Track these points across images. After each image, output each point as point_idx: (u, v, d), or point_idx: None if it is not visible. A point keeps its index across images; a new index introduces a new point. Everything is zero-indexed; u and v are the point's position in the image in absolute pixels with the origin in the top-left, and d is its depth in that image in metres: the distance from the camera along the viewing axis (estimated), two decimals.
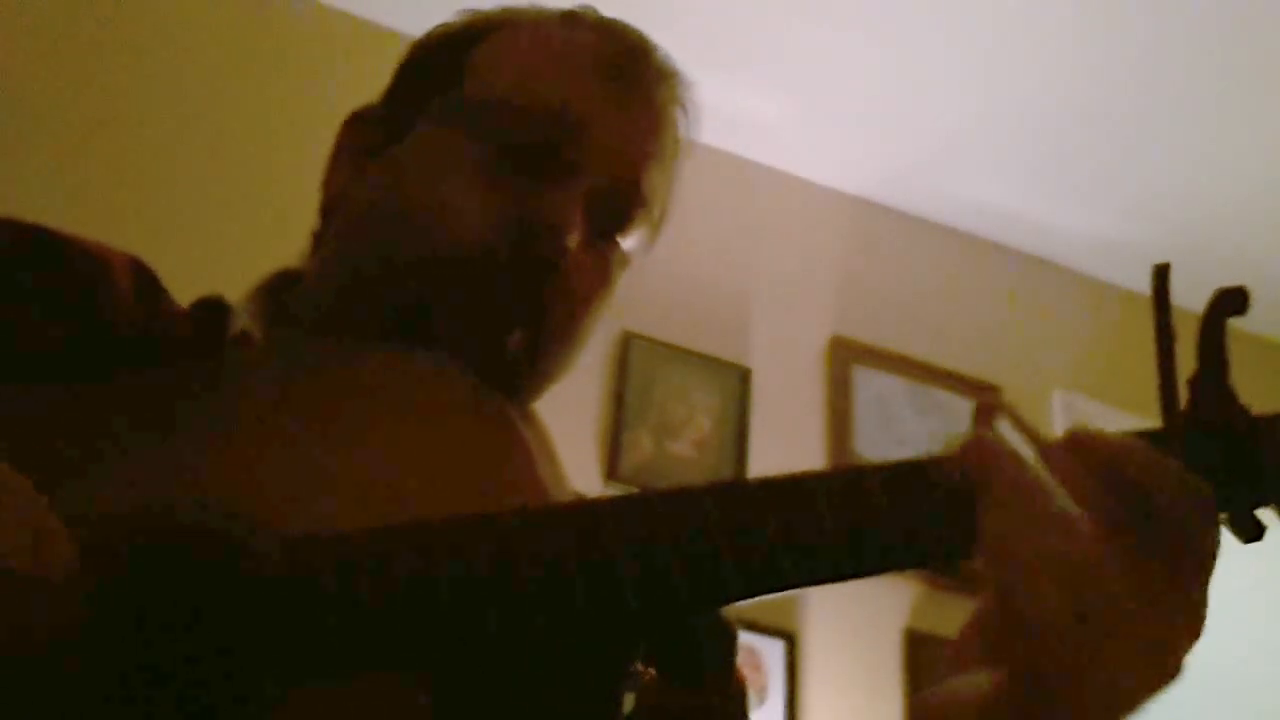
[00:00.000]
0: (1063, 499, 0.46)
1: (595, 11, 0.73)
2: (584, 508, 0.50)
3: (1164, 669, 0.46)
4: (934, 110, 2.51)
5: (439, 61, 0.71)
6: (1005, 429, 0.48)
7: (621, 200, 0.67)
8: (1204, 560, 0.47)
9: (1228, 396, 0.49)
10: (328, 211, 0.72)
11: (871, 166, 2.66)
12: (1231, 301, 0.48)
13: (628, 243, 0.69)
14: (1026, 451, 0.47)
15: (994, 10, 2.29)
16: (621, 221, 0.68)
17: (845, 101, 2.51)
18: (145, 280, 0.64)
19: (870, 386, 2.47)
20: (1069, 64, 2.39)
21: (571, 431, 2.14)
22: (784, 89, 2.50)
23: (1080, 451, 0.47)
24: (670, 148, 0.71)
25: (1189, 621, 0.47)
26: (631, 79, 0.69)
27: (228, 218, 2.04)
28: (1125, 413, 2.49)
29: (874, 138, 2.60)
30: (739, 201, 2.57)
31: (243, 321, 0.65)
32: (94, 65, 2.13)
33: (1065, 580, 0.44)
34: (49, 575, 0.41)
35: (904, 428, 2.44)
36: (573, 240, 0.63)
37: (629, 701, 0.56)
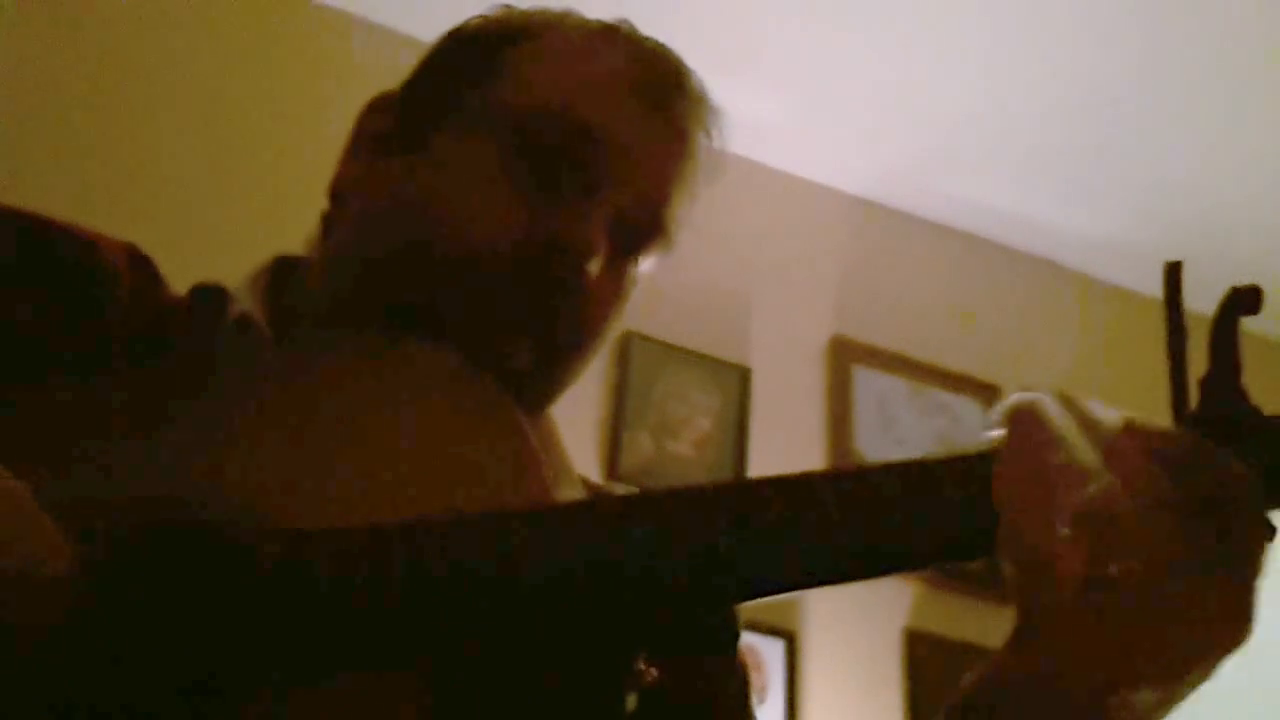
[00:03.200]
0: (1084, 454, 0.46)
1: (632, 27, 0.73)
2: (586, 506, 0.49)
3: (1192, 667, 0.45)
4: (934, 110, 2.51)
5: (471, 58, 0.70)
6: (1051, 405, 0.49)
7: (644, 226, 0.67)
8: (1251, 550, 0.46)
9: (1239, 397, 0.49)
10: (339, 195, 0.71)
11: (871, 166, 2.66)
12: (1244, 300, 0.48)
13: (643, 265, 0.70)
14: (1069, 422, 0.47)
15: (994, 10, 2.29)
16: (641, 246, 0.68)
17: (845, 101, 2.51)
18: (142, 268, 0.64)
19: (870, 386, 2.47)
20: (1069, 63, 2.38)
21: (571, 431, 2.13)
22: (784, 89, 2.49)
23: (1133, 431, 0.48)
24: (696, 176, 0.72)
25: (1230, 619, 0.45)
26: (667, 105, 0.69)
27: (227, 216, 2.04)
28: (1125, 413, 2.49)
29: (874, 138, 2.59)
30: (739, 201, 2.56)
31: (242, 305, 0.65)
32: (94, 64, 2.13)
33: (1083, 535, 0.44)
34: (44, 572, 0.41)
35: (904, 428, 2.44)
36: (593, 265, 0.63)
37: (632, 701, 0.56)
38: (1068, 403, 0.49)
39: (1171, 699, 0.45)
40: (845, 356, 2.48)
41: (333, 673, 0.44)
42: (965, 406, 2.51)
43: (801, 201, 2.67)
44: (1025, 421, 0.48)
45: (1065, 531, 0.44)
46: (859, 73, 2.44)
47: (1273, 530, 0.47)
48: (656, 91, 0.68)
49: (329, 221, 0.71)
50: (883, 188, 2.70)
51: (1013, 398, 0.50)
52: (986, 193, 2.69)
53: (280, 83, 2.24)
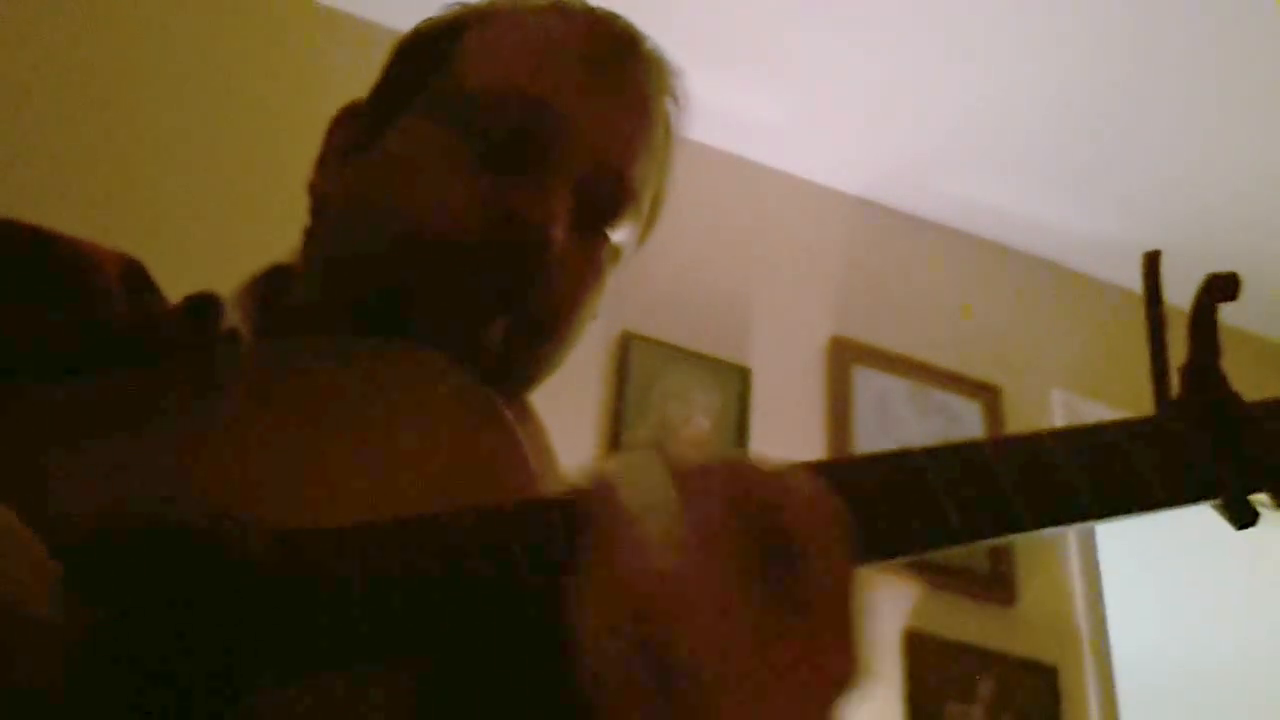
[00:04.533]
0: (662, 534, 0.39)
1: (583, 2, 0.72)
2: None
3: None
4: (933, 110, 2.51)
5: (423, 55, 0.70)
6: (636, 457, 0.42)
7: (608, 193, 0.66)
8: (835, 599, 0.40)
9: (1220, 382, 0.49)
10: (317, 210, 0.72)
11: (871, 166, 2.66)
12: (1222, 286, 0.48)
13: (617, 235, 0.68)
14: (653, 480, 0.41)
15: (993, 10, 2.29)
16: (609, 214, 0.67)
17: (845, 101, 2.52)
18: (136, 278, 0.64)
19: (870, 386, 2.47)
20: (1068, 63, 2.39)
21: (571, 431, 2.14)
22: (784, 89, 2.50)
23: (711, 477, 0.41)
24: (659, 139, 0.70)
25: (822, 667, 0.40)
26: (617, 69, 0.68)
27: (228, 217, 2.05)
28: (1125, 412, 2.48)
29: (874, 138, 2.60)
30: (739, 201, 2.57)
31: (233, 318, 0.65)
32: (94, 65, 2.13)
33: (628, 619, 0.38)
34: (41, 617, 0.39)
35: (904, 428, 2.44)
36: (557, 232, 0.62)
37: None
38: (659, 457, 0.42)
39: None
40: (845, 356, 2.49)
41: (329, 672, 0.44)
42: (965, 406, 2.52)
43: (801, 201, 2.67)
44: (596, 506, 0.41)
45: (619, 645, 0.38)
46: (859, 73, 2.45)
47: (843, 573, 0.41)
48: (605, 57, 0.67)
49: (309, 233, 0.72)
50: (883, 188, 2.71)
51: (584, 474, 0.42)
52: (986, 193, 2.69)
53: (285, 86, 2.25)
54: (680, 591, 0.38)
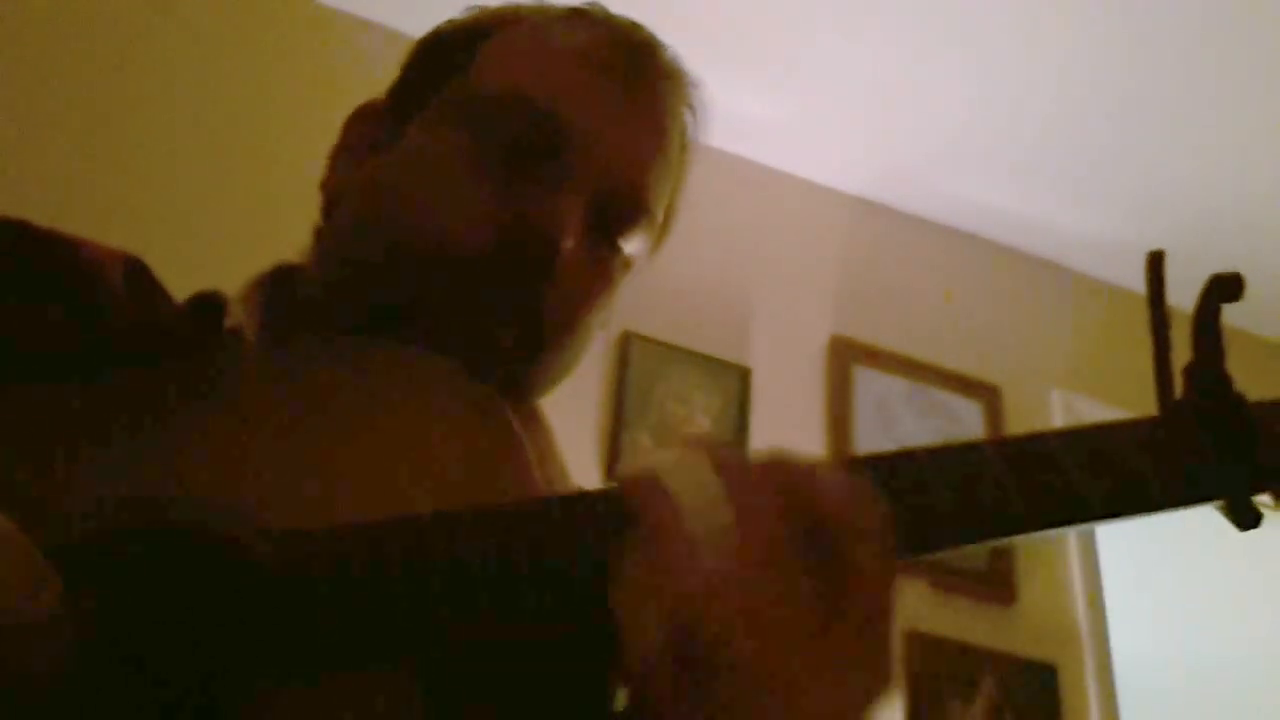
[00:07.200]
0: (709, 531, 0.40)
1: (603, 9, 0.72)
2: (584, 501, 0.50)
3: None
4: (934, 110, 2.51)
5: (443, 58, 0.70)
6: (684, 456, 0.43)
7: (622, 204, 0.66)
8: (876, 601, 0.41)
9: (1223, 383, 0.49)
10: (328, 208, 0.72)
11: (871, 166, 2.66)
12: (1226, 288, 0.48)
13: (629, 246, 0.68)
14: (703, 479, 0.42)
15: (994, 10, 2.29)
16: (622, 225, 0.67)
17: (845, 101, 2.52)
18: (139, 277, 0.64)
19: (870, 386, 2.47)
20: (1069, 64, 2.39)
21: (571, 431, 2.13)
22: (784, 89, 2.50)
23: (765, 473, 0.43)
24: (675, 150, 0.70)
25: (861, 672, 0.41)
26: (635, 81, 0.67)
27: (227, 217, 2.04)
28: (1124, 412, 2.48)
29: (874, 138, 2.60)
30: (739, 201, 2.57)
31: (237, 317, 0.65)
32: (94, 65, 2.13)
33: (673, 614, 0.39)
34: (39, 618, 0.40)
35: (904, 428, 2.44)
36: (568, 242, 0.62)
37: (621, 698, 0.56)
38: (707, 455, 0.43)
39: None
40: (845, 356, 2.49)
41: (330, 672, 0.44)
42: (965, 406, 2.52)
43: (801, 201, 2.67)
44: (646, 502, 0.42)
45: (657, 615, 0.40)
46: (859, 73, 2.45)
47: (887, 581, 0.42)
48: (623, 67, 0.67)
49: (320, 232, 0.72)
50: (883, 188, 2.71)
51: (628, 471, 0.44)
52: (986, 193, 2.69)
53: (286, 85, 2.25)
54: (726, 588, 0.39)
